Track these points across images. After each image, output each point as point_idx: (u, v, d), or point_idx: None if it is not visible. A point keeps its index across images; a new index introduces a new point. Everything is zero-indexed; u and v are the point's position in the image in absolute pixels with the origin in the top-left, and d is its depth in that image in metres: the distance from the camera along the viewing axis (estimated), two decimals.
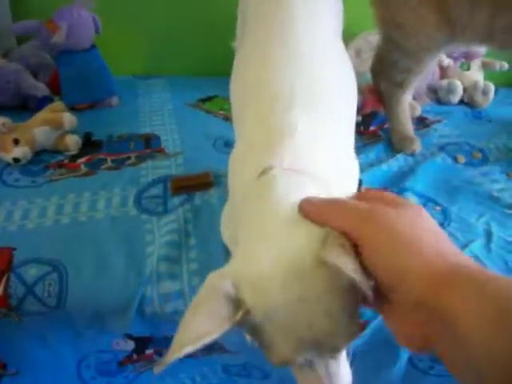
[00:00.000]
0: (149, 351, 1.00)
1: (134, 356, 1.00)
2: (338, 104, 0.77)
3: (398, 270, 0.44)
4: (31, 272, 0.89)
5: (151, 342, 0.98)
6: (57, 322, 0.90)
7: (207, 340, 0.45)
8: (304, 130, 0.67)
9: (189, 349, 0.45)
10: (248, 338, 0.87)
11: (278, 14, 0.84)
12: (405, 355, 0.93)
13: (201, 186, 1.08)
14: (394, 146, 1.26)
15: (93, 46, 1.40)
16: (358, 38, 1.49)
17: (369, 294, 0.45)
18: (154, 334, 0.96)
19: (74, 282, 0.88)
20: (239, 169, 0.73)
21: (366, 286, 0.45)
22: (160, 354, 1.01)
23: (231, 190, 0.77)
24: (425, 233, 0.47)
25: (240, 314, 0.47)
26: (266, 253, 0.50)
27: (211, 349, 0.98)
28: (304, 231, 0.51)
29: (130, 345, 0.98)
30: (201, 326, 0.46)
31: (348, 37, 1.50)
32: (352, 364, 0.55)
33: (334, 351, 0.50)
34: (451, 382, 0.44)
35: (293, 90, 0.72)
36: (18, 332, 0.91)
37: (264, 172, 0.61)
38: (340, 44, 0.91)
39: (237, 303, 0.48)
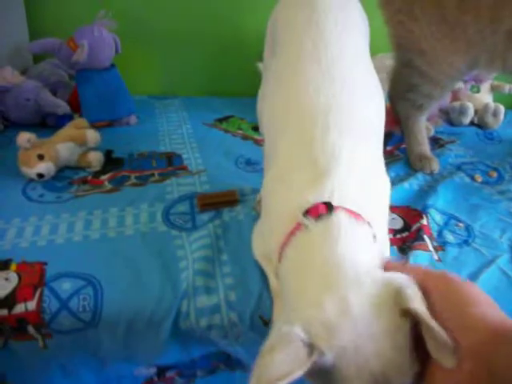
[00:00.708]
0: (169, 374, 0.98)
1: (155, 379, 0.98)
2: (372, 125, 0.80)
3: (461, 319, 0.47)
4: (65, 286, 0.88)
5: (174, 368, 0.97)
6: (83, 347, 0.88)
7: (287, 380, 0.47)
8: (347, 160, 0.69)
9: None
10: None
11: (310, 34, 0.85)
12: None
13: (227, 203, 1.09)
14: (412, 165, 1.28)
15: (112, 66, 1.42)
16: (374, 60, 1.51)
17: (443, 337, 0.47)
18: (181, 360, 0.95)
19: (109, 296, 0.87)
20: (280, 191, 0.73)
21: (439, 331, 0.47)
22: (181, 375, 0.99)
23: (267, 211, 0.79)
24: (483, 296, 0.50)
25: (315, 354, 0.49)
26: (334, 298, 0.53)
27: (234, 364, 0.97)
28: (370, 279, 0.55)
29: (152, 371, 0.96)
30: (281, 367, 0.48)
31: None
32: None
33: None
34: None
35: (329, 107, 0.74)
36: (40, 360, 0.89)
37: (318, 211, 0.63)
38: (369, 62, 0.92)
39: (310, 347, 0.49)
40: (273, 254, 0.70)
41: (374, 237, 0.64)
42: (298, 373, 0.48)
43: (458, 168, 1.29)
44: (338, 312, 0.52)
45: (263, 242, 0.85)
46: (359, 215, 0.64)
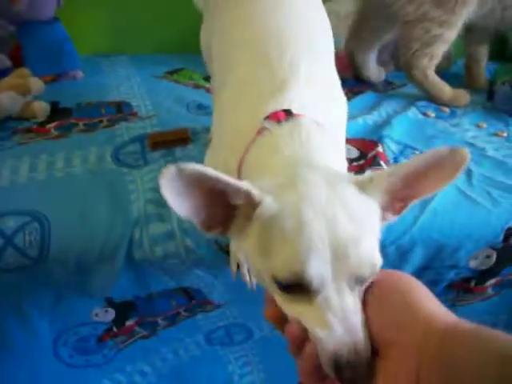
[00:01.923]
0: (129, 322, 0.96)
1: (114, 329, 0.96)
2: (325, 47, 0.82)
3: (404, 316, 0.44)
4: (9, 223, 0.84)
5: (133, 311, 0.94)
6: (34, 283, 0.85)
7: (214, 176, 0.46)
8: (305, 74, 0.70)
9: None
10: (247, 277, 0.85)
11: None
12: None
13: (179, 141, 1.06)
14: (449, 103, 1.31)
15: (55, 19, 1.37)
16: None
17: None
18: (139, 295, 0.92)
19: (56, 230, 0.83)
20: (241, 110, 0.73)
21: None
22: (142, 325, 0.97)
23: (222, 132, 0.78)
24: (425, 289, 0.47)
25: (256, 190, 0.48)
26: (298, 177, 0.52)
27: (196, 307, 0.96)
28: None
29: (110, 314, 0.94)
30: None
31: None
32: None
33: (354, 272, 0.47)
34: None
35: (280, 29, 0.77)
36: None
37: (279, 116, 0.63)
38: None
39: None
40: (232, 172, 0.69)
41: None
42: (229, 181, 0.47)
43: (411, 104, 1.30)
44: (295, 180, 0.51)
45: (218, 164, 0.83)
46: (321, 123, 0.64)
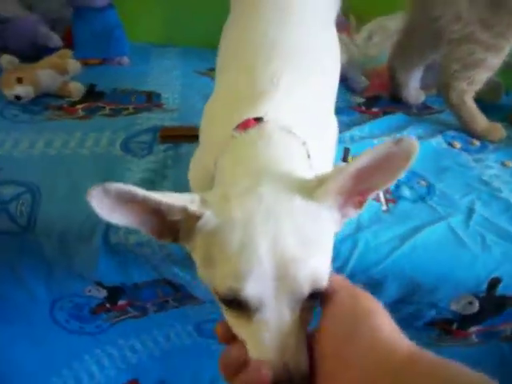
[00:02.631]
0: (122, 302, 1.01)
1: (107, 305, 1.01)
2: (322, 68, 0.81)
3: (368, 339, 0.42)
4: (7, 191, 0.91)
5: (123, 294, 0.99)
6: (27, 250, 0.92)
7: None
8: (286, 85, 0.70)
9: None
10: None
11: None
12: None
13: (188, 137, 1.09)
14: (482, 137, 1.25)
15: (110, 6, 1.44)
16: (373, 23, 1.49)
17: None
18: (125, 283, 0.97)
19: (45, 205, 0.90)
20: (219, 116, 0.75)
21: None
22: (133, 307, 1.02)
23: (204, 136, 0.80)
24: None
25: (198, 202, 0.50)
26: (246, 182, 0.52)
27: (183, 298, 0.99)
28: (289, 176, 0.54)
29: (102, 293, 0.99)
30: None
31: (361, 20, 1.52)
32: None
33: (294, 291, 0.46)
34: None
35: (276, 40, 0.77)
36: None
37: (249, 125, 0.63)
38: (329, 21, 0.95)
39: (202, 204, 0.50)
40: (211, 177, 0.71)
41: (309, 156, 0.63)
42: (159, 199, 0.48)
43: (439, 133, 1.25)
44: (245, 192, 0.51)
45: (199, 167, 0.86)
46: (292, 132, 0.63)
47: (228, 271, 0.46)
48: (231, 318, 0.49)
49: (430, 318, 0.92)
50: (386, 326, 0.43)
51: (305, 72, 0.75)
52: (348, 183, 0.51)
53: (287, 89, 0.70)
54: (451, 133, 1.26)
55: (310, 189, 0.51)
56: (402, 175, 0.50)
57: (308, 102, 0.73)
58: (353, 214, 0.55)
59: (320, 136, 0.72)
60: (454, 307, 0.90)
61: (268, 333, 0.45)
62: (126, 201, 0.48)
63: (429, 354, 0.39)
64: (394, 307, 0.90)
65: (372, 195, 0.54)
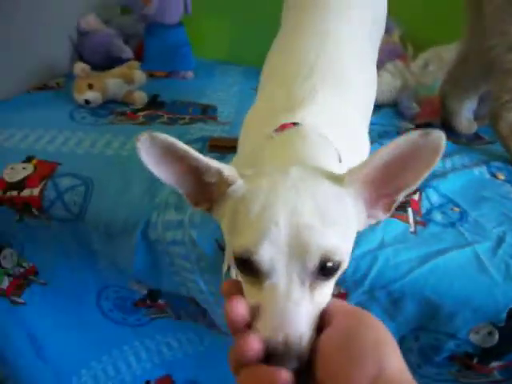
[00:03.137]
0: (161, 301, 1.09)
1: (148, 301, 1.09)
2: (357, 89, 0.85)
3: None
4: (65, 182, 1.02)
5: (162, 295, 1.07)
6: (78, 238, 1.02)
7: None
8: (323, 99, 0.75)
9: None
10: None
11: (313, 8, 0.95)
12: None
13: (235, 148, 1.16)
14: None
15: (180, 24, 1.55)
16: (429, 51, 1.52)
17: None
18: (162, 288, 1.05)
19: (96, 197, 1.00)
20: (256, 125, 0.80)
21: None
22: (172, 308, 1.09)
23: (242, 145, 0.86)
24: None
25: (233, 172, 0.53)
26: (279, 169, 0.54)
27: (210, 324, 1.06)
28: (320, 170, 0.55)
29: (144, 290, 1.08)
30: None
31: (418, 48, 1.54)
32: None
33: (305, 260, 0.47)
34: None
35: (316, 61, 0.82)
36: (48, 239, 1.04)
37: (286, 127, 0.68)
38: (369, 46, 0.99)
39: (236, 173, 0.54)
40: None
41: (340, 161, 0.66)
42: (199, 157, 0.52)
43: (484, 163, 1.24)
44: (277, 170, 0.53)
45: (240, 169, 0.92)
46: (325, 136, 0.67)
47: (247, 234, 0.48)
48: (246, 285, 0.50)
49: (450, 352, 0.91)
50: (393, 357, 0.42)
51: (341, 88, 0.80)
52: (374, 173, 0.52)
53: (323, 102, 0.74)
54: (497, 164, 1.24)
55: (339, 177, 0.52)
56: (430, 171, 0.50)
57: (342, 117, 0.77)
58: (381, 215, 0.56)
59: (351, 147, 0.74)
60: (473, 338, 0.88)
61: (274, 300, 0.46)
62: (170, 154, 0.51)
63: None
64: (413, 334, 0.91)
65: (400, 196, 0.55)
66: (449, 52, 1.47)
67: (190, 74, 1.59)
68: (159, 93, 1.46)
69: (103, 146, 1.16)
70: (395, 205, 0.56)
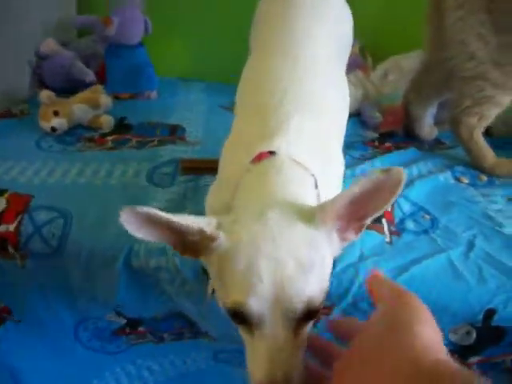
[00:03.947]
0: (141, 329, 1.08)
1: (127, 329, 1.08)
2: (330, 110, 0.88)
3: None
4: (41, 216, 1.00)
5: (142, 323, 1.06)
6: (55, 273, 1.00)
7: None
8: (298, 125, 0.77)
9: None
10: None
11: (281, 32, 0.97)
12: None
13: (208, 170, 1.15)
14: (491, 173, 1.29)
15: (140, 44, 1.55)
16: (388, 61, 1.56)
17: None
18: (143, 316, 1.04)
19: (76, 228, 0.99)
20: (234, 153, 0.82)
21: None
22: (154, 334, 1.08)
23: (222, 174, 0.87)
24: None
25: (214, 225, 0.57)
26: (254, 211, 0.59)
27: (197, 333, 1.05)
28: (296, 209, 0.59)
29: (123, 320, 1.06)
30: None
31: (377, 58, 1.58)
32: None
33: (289, 310, 0.52)
34: None
35: (287, 88, 0.84)
36: (22, 279, 1.02)
37: (262, 157, 0.70)
38: (338, 65, 1.02)
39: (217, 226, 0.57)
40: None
41: (316, 186, 0.70)
42: (192, 225, 0.55)
43: (448, 168, 1.29)
44: (254, 217, 0.57)
45: (216, 199, 0.91)
46: (301, 164, 0.70)
47: (235, 291, 0.53)
48: (242, 332, 0.56)
49: None
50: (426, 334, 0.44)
51: (314, 113, 0.83)
52: (344, 210, 0.57)
53: (298, 127, 0.77)
54: (460, 168, 1.30)
55: (311, 215, 0.57)
56: (392, 201, 0.56)
57: (317, 142, 0.79)
58: (353, 237, 0.62)
59: (327, 170, 0.78)
60: (452, 338, 0.92)
61: (263, 347, 0.52)
62: (152, 221, 0.56)
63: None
64: None
65: (369, 220, 0.60)
66: (407, 60, 1.52)
67: (154, 95, 1.59)
68: (125, 115, 1.45)
69: (75, 176, 1.15)
70: (365, 227, 0.61)
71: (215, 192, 0.92)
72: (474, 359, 0.96)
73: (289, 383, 0.51)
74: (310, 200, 0.66)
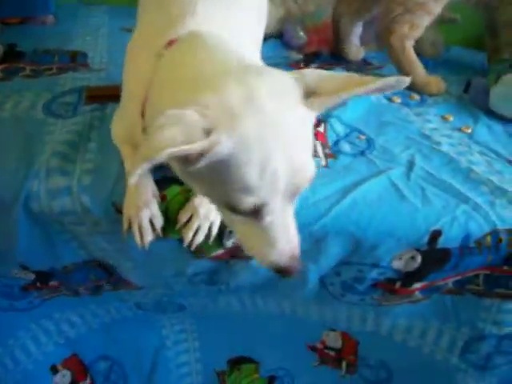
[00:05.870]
0: (53, 282, 0.97)
1: (38, 284, 0.96)
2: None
3: None
4: None
5: (53, 276, 0.95)
6: None
7: (179, 149, 0.45)
8: (203, 11, 0.72)
9: (166, 153, 0.44)
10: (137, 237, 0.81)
11: None
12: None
13: (117, 97, 1.03)
14: (421, 90, 1.23)
15: None
16: None
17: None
18: (55, 267, 0.93)
19: None
20: (138, 53, 0.75)
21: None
22: (66, 287, 0.98)
23: (126, 82, 0.80)
24: None
25: (214, 136, 0.48)
26: (237, 84, 0.52)
27: (118, 283, 0.96)
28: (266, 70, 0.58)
29: (30, 276, 0.95)
30: (173, 139, 0.45)
31: None
32: None
33: (298, 192, 0.56)
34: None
35: None
36: None
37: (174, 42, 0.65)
38: None
39: (207, 132, 0.48)
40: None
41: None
42: (192, 147, 0.46)
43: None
44: (242, 99, 0.51)
45: (124, 123, 0.83)
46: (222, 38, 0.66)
47: (255, 191, 0.52)
48: (240, 225, 0.58)
49: (373, 280, 0.91)
50: None
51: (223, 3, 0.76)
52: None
53: (204, 13, 0.72)
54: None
55: (297, 92, 0.53)
56: None
57: (226, 26, 0.72)
58: None
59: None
60: (396, 265, 0.88)
61: (277, 231, 0.55)
62: None
63: None
64: (334, 271, 0.90)
65: None
66: None
67: (50, 20, 1.40)
68: (16, 42, 1.27)
69: None
70: None
71: (121, 116, 0.85)
72: (417, 285, 0.92)
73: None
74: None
